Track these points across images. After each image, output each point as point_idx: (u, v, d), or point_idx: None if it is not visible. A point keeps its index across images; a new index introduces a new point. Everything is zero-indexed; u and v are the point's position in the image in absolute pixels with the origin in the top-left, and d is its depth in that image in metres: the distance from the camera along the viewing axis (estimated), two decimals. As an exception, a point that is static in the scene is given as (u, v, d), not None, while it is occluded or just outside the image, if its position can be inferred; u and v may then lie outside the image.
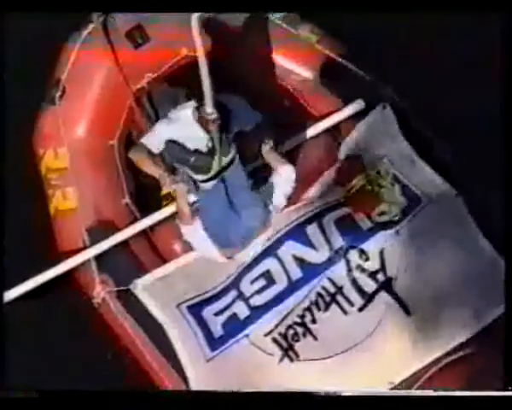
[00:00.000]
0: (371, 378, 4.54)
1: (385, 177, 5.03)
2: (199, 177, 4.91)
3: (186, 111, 4.86)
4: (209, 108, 4.66)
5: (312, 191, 5.12)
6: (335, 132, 5.28)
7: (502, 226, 4.56)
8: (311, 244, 4.92)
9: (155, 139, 4.86)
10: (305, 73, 5.44)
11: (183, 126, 4.85)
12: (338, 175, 5.10)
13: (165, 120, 4.91)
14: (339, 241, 4.88)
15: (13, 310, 4.80)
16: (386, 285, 4.77)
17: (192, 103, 4.85)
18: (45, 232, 5.13)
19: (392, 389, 4.55)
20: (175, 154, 4.84)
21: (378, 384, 4.51)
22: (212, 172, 4.88)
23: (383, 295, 4.74)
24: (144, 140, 4.89)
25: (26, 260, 5.03)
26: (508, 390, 4.20)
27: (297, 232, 4.94)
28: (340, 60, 5.37)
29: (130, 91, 5.32)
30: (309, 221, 4.96)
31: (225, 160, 4.88)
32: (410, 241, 4.86)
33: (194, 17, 4.32)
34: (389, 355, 4.58)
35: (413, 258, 4.78)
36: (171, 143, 4.83)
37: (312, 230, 4.93)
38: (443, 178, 4.96)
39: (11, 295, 4.86)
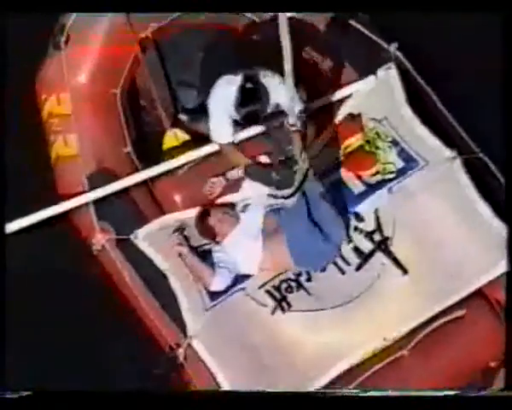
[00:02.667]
0: (365, 333, 4.79)
1: (383, 138, 5.26)
2: (283, 193, 5.03)
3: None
4: (292, 119, 4.85)
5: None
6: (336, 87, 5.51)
7: (501, 190, 4.88)
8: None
9: None
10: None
11: None
12: (336, 133, 5.34)
13: None
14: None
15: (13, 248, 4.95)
16: (382, 245, 5.03)
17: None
18: (45, 178, 5.36)
19: (386, 346, 4.81)
20: (258, 174, 5.03)
21: (372, 339, 4.77)
22: (295, 185, 4.99)
23: (379, 255, 5.01)
24: None
25: (27, 201, 5.21)
26: (508, 390, 4.40)
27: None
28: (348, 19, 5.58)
29: (136, 40, 5.52)
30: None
31: (304, 169, 4.96)
32: (404, 200, 5.09)
33: (283, 17, 4.41)
34: (384, 312, 4.83)
35: (408, 217, 5.01)
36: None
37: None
38: (443, 141, 5.17)
39: (12, 227, 5.02)
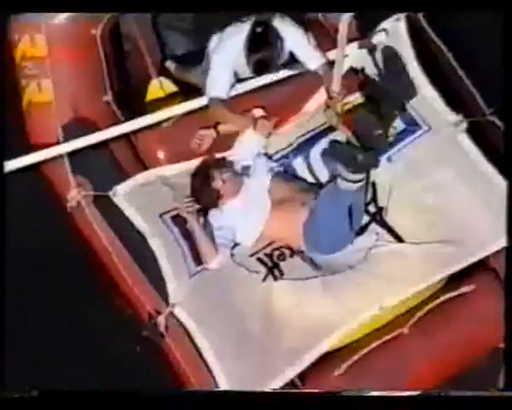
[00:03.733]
0: (359, 302, 4.62)
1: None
2: (355, 177, 4.65)
3: None
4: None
5: (308, 106, 5.16)
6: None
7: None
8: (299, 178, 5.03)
9: None
10: None
11: None
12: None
13: None
14: (325, 176, 4.97)
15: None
16: (377, 216, 4.84)
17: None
18: (16, 125, 5.06)
19: (383, 323, 4.64)
20: (340, 153, 4.69)
21: (367, 307, 4.60)
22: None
23: (374, 226, 4.82)
24: None
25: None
26: (508, 390, 4.33)
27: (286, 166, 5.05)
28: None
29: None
30: (295, 154, 5.05)
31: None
32: (404, 168, 4.90)
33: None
34: (380, 281, 4.65)
35: (407, 185, 4.83)
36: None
37: (299, 164, 5.04)
38: (451, 103, 4.96)
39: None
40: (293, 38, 4.95)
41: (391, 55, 5.03)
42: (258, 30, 4.83)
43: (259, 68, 4.92)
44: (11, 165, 4.73)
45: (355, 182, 4.62)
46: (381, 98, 4.98)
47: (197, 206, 4.82)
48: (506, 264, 4.51)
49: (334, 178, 4.77)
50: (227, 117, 5.03)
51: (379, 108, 4.94)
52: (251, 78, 5.06)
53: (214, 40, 5.06)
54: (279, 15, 4.93)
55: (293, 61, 5.03)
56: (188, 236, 4.80)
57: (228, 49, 4.92)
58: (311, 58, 4.99)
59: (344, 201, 4.72)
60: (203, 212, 4.89)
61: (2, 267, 4.50)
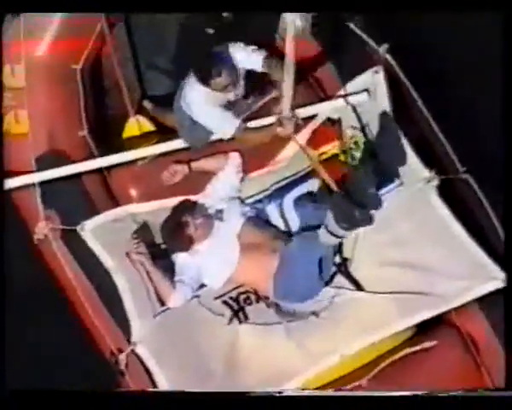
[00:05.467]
0: (320, 349, 4.74)
1: (361, 149, 5.11)
2: (344, 233, 4.78)
3: None
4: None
5: (285, 153, 5.28)
6: (318, 90, 5.33)
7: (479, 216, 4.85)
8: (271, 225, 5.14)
9: None
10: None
11: None
12: (312, 138, 5.22)
13: None
14: (296, 225, 5.07)
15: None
16: (342, 267, 4.97)
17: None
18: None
19: (344, 374, 4.76)
20: (336, 207, 4.76)
21: (328, 355, 4.72)
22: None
23: (339, 276, 4.96)
24: None
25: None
26: (508, 390, 4.44)
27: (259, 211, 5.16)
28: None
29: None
30: (268, 200, 5.16)
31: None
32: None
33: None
34: (341, 329, 4.78)
35: (372, 239, 4.93)
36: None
37: (272, 210, 5.14)
38: (425, 158, 5.05)
39: None
40: (245, 58, 5.14)
41: (387, 124, 5.14)
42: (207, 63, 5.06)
43: (223, 89, 5.08)
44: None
45: (339, 237, 4.76)
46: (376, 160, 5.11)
47: (144, 249, 4.93)
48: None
49: (306, 228, 4.93)
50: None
51: (375, 168, 5.09)
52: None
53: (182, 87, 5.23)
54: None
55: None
56: (154, 276, 4.95)
57: (199, 95, 5.11)
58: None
59: (316, 252, 4.87)
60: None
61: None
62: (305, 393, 4.62)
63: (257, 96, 5.33)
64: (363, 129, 5.22)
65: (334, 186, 4.91)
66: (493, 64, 5.14)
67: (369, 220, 4.72)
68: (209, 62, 5.07)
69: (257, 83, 5.27)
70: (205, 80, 5.06)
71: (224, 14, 5.55)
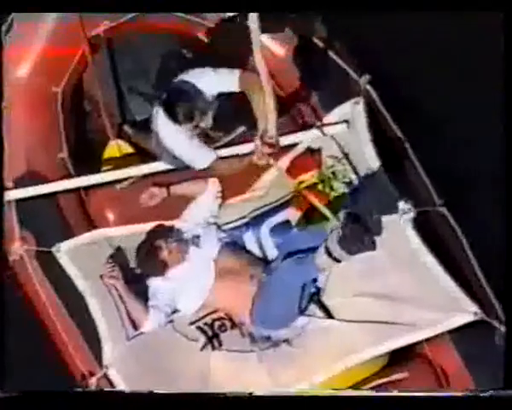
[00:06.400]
0: (291, 376, 4.79)
1: (340, 180, 5.16)
2: (346, 257, 4.83)
3: None
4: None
5: (264, 180, 5.36)
6: (298, 118, 5.41)
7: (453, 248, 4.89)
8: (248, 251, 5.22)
9: None
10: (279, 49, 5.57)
11: None
12: (291, 166, 5.27)
13: None
14: (273, 252, 5.17)
15: None
16: (315, 296, 4.99)
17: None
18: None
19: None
20: (346, 232, 4.80)
21: (297, 382, 4.76)
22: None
23: (311, 305, 4.98)
24: None
25: None
26: (508, 390, 4.43)
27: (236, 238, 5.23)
28: (318, 43, 5.52)
29: (85, 36, 5.41)
30: (246, 228, 5.23)
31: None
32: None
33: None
34: (312, 357, 4.81)
35: (344, 269, 4.93)
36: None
37: (249, 237, 5.22)
38: (400, 192, 5.06)
39: None
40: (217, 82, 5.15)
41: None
42: (164, 96, 5.10)
43: (189, 117, 5.10)
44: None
45: (337, 261, 4.81)
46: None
47: (118, 273, 4.96)
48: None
49: (294, 252, 4.95)
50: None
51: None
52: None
53: (154, 114, 5.28)
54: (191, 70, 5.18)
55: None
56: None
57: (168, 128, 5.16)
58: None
59: (300, 278, 4.92)
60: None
61: None
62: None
63: (226, 129, 5.37)
64: (343, 159, 5.27)
65: (326, 212, 4.96)
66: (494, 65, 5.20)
67: (373, 246, 4.80)
68: (175, 98, 5.09)
69: (226, 114, 5.30)
70: (173, 117, 5.09)
71: (200, 37, 5.60)
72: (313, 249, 4.91)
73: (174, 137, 5.18)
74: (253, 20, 4.49)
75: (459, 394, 4.48)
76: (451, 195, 5.21)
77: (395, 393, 4.53)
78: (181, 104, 5.06)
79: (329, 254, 4.80)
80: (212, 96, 5.20)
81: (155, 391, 4.48)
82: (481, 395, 4.42)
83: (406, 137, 5.39)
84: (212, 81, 5.16)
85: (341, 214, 4.86)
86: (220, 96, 5.22)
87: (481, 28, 5.75)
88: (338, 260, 4.81)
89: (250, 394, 4.51)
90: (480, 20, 5.55)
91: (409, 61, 6.00)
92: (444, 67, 5.99)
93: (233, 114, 5.34)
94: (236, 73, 5.14)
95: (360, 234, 4.76)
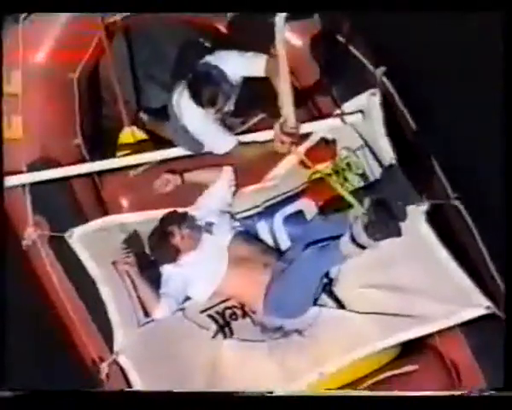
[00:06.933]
0: (301, 366, 4.80)
1: (353, 171, 5.17)
2: (371, 243, 4.82)
3: None
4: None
5: (278, 170, 5.36)
6: (312, 108, 5.41)
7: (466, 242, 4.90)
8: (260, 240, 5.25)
9: None
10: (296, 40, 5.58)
11: None
12: (306, 157, 5.26)
13: None
14: (286, 242, 5.20)
15: None
16: (328, 287, 5.01)
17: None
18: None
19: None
20: (374, 216, 4.83)
21: (308, 372, 4.77)
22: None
23: (323, 295, 5.00)
24: None
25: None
26: (508, 390, 4.46)
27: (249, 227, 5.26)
28: (337, 36, 5.53)
29: (102, 23, 5.43)
30: (259, 217, 5.26)
31: None
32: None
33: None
34: (322, 348, 4.83)
35: (357, 260, 4.94)
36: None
37: (262, 227, 5.25)
38: (413, 185, 5.04)
39: None
40: (234, 64, 5.18)
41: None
42: (190, 77, 5.11)
43: (213, 102, 5.13)
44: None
45: (363, 248, 4.81)
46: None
47: (133, 259, 4.99)
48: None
49: (308, 244, 4.96)
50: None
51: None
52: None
53: (175, 98, 5.31)
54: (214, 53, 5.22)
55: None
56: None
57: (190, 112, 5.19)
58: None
59: (324, 266, 4.94)
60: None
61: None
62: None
63: (247, 116, 5.40)
64: (357, 150, 5.27)
65: (350, 199, 4.94)
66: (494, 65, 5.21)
67: (398, 232, 4.80)
68: (201, 81, 5.12)
69: (247, 100, 5.32)
70: (197, 99, 5.12)
71: (220, 27, 5.62)
72: (335, 238, 4.92)
73: (197, 119, 5.21)
74: (280, 19, 4.61)
75: (459, 394, 4.51)
76: (465, 190, 5.22)
77: (396, 393, 4.55)
78: (206, 87, 5.09)
79: (354, 241, 4.81)
80: (235, 81, 5.22)
81: (162, 391, 4.53)
82: (481, 395, 4.45)
83: (421, 131, 5.40)
84: (238, 65, 5.18)
85: (366, 201, 4.85)
86: (244, 80, 5.23)
87: (481, 28, 5.75)
88: (363, 247, 4.82)
89: (260, 393, 4.57)
90: (480, 20, 5.56)
91: (409, 60, 5.98)
92: (444, 67, 5.98)
93: (253, 99, 5.35)
94: (263, 57, 5.16)
95: (386, 220, 4.77)
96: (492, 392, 4.52)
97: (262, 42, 5.11)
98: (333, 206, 5.11)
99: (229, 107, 5.29)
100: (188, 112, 5.22)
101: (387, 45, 5.75)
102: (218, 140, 5.27)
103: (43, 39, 5.37)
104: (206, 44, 5.64)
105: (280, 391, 4.68)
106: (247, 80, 5.26)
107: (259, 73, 5.17)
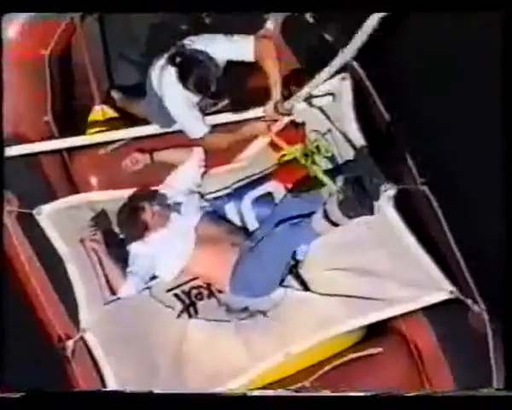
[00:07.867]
0: (267, 347, 4.85)
1: (323, 154, 5.19)
2: (343, 220, 4.87)
3: None
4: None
5: (247, 152, 5.42)
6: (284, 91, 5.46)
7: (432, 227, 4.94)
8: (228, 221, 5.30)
9: None
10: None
11: None
12: (276, 139, 5.30)
13: None
14: (254, 224, 5.26)
15: None
16: (294, 269, 5.07)
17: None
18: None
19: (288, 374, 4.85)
20: (351, 192, 4.85)
21: (273, 353, 4.82)
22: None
23: (288, 277, 5.05)
24: None
25: None
26: (508, 390, 4.53)
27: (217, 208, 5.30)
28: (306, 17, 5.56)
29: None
30: (228, 198, 5.31)
31: None
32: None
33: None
34: (288, 328, 4.87)
35: (327, 241, 5.00)
36: None
37: (231, 208, 5.30)
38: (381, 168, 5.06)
39: None
40: (229, 49, 5.10)
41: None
42: (178, 59, 5.03)
43: (202, 87, 5.07)
44: None
45: (335, 225, 4.85)
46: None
47: (100, 237, 5.02)
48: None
49: (279, 222, 5.01)
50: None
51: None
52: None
53: (155, 73, 5.25)
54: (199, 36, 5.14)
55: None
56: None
57: (171, 91, 5.13)
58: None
59: (294, 243, 4.98)
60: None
61: None
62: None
63: (219, 99, 5.36)
64: (326, 134, 5.29)
65: (324, 178, 4.97)
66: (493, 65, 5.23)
67: (371, 210, 4.85)
68: (191, 66, 5.03)
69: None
70: (185, 83, 5.04)
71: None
72: (306, 216, 4.97)
73: (179, 101, 5.15)
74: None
75: (458, 394, 4.55)
76: (433, 176, 5.25)
77: (391, 393, 4.53)
78: (195, 73, 5.01)
79: (327, 217, 4.85)
80: (221, 65, 5.14)
81: (155, 391, 4.52)
82: (481, 395, 4.47)
83: (393, 121, 5.43)
84: (225, 49, 5.10)
85: (339, 180, 4.89)
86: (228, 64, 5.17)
87: (481, 28, 5.75)
88: (336, 224, 4.86)
89: (247, 394, 4.61)
90: (480, 20, 5.54)
91: (408, 60, 6.04)
92: (443, 67, 6.01)
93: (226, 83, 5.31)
94: (250, 40, 5.10)
95: (361, 197, 4.81)
96: (492, 392, 4.59)
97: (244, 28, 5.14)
98: (304, 186, 5.14)
99: (211, 91, 5.21)
100: (170, 91, 5.15)
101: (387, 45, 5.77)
102: (194, 125, 5.25)
103: (15, 15, 5.32)
104: (183, 27, 5.65)
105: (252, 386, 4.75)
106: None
107: (248, 57, 5.12)
